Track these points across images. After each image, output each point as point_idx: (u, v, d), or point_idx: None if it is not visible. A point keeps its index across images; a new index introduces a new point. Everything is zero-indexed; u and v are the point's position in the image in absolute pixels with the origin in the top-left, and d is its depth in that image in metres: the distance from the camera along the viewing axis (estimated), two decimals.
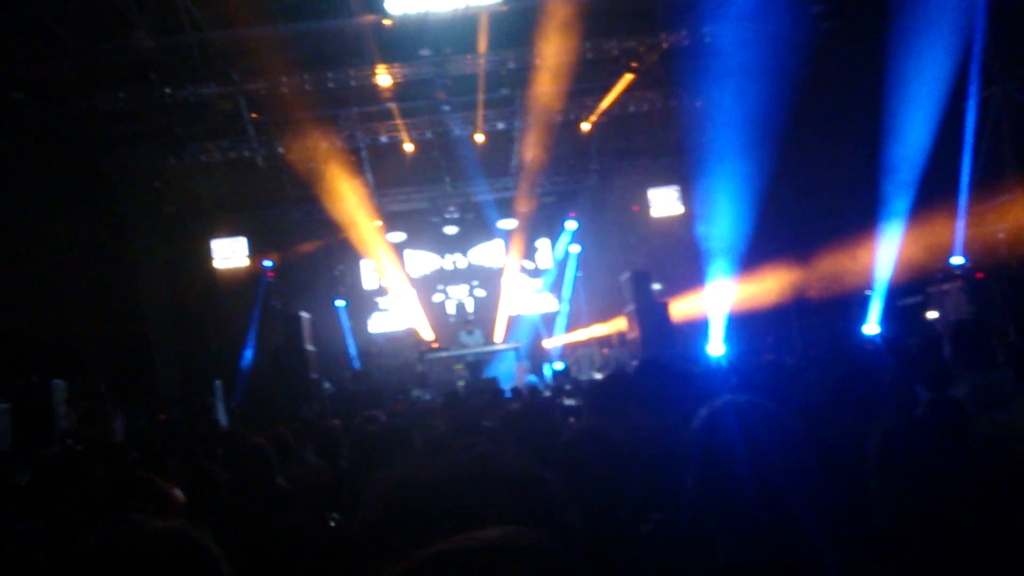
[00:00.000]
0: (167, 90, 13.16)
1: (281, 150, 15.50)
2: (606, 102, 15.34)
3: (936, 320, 11.33)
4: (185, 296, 15.82)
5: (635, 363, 10.93)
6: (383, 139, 16.06)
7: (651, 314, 13.43)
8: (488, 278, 19.11)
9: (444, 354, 15.77)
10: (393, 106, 15.17)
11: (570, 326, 18.57)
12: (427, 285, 19.03)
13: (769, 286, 14.32)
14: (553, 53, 13.42)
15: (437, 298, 19.04)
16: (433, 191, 18.10)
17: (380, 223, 17.71)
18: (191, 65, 12.99)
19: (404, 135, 15.89)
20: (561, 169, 17.96)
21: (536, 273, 19.45)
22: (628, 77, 14.40)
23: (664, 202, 17.66)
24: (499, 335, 18.02)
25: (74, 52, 12.00)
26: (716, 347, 13.64)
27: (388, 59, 13.59)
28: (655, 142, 17.15)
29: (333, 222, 16.96)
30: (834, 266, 13.52)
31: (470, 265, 19.19)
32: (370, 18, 12.52)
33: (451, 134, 16.12)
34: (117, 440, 10.40)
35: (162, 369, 15.39)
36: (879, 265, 12.74)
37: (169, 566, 1.24)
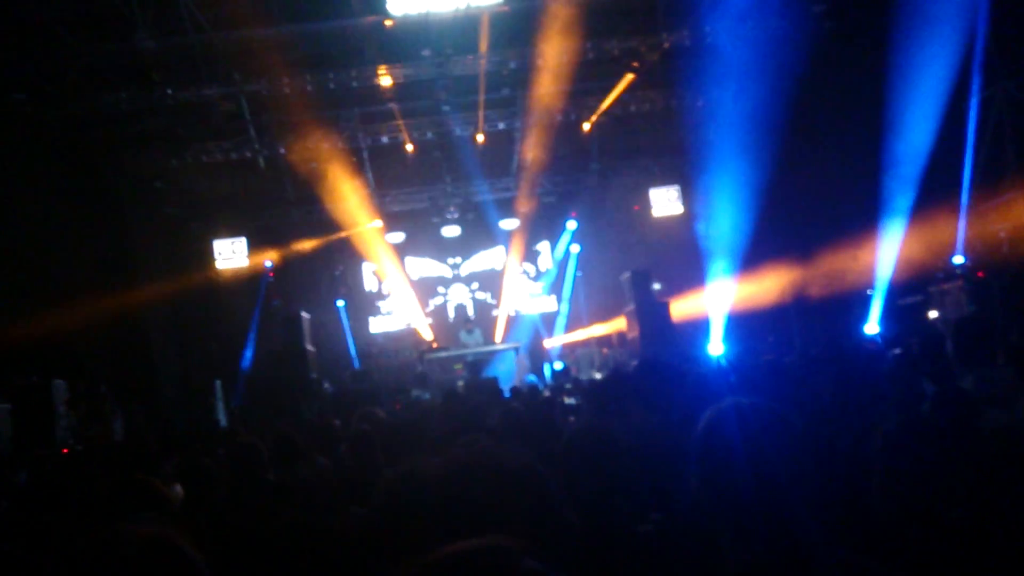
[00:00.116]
0: (169, 91, 13.16)
1: (282, 151, 15.51)
2: (607, 102, 15.33)
3: (937, 319, 11.32)
4: (186, 296, 15.82)
5: (634, 363, 10.93)
6: (384, 139, 16.05)
7: (651, 314, 13.43)
8: (489, 280, 19.12)
9: (444, 354, 15.78)
10: (394, 106, 15.17)
11: (570, 326, 18.58)
12: (427, 287, 19.04)
13: (769, 286, 14.31)
14: (554, 53, 13.42)
15: (437, 300, 19.06)
16: (434, 191, 18.10)
17: (381, 223, 17.72)
18: (193, 66, 13.00)
19: (405, 135, 15.89)
20: (562, 169, 17.96)
21: (536, 273, 19.46)
22: (629, 77, 14.39)
23: (665, 202, 17.65)
24: (499, 335, 18.04)
25: (76, 53, 12.02)
26: (716, 347, 13.63)
27: (389, 59, 13.59)
28: (656, 142, 17.14)
29: (334, 222, 16.99)
30: (835, 265, 13.51)
31: (472, 270, 19.21)
32: (371, 19, 12.53)
33: (452, 134, 16.12)
34: (117, 440, 10.41)
35: (162, 369, 15.39)
36: (880, 264, 12.73)
37: (151, 574, 1.25)
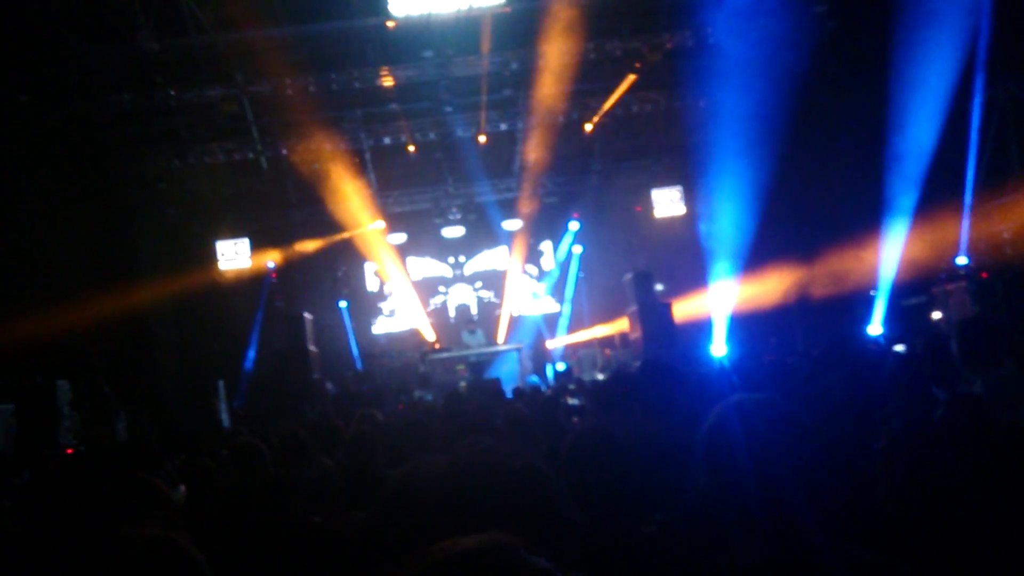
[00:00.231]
0: (171, 92, 13.18)
1: (285, 152, 15.52)
2: (609, 102, 15.33)
3: (940, 320, 11.30)
4: (188, 297, 15.83)
5: (637, 364, 10.91)
6: (386, 140, 16.05)
7: (653, 315, 13.41)
8: (491, 279, 19.13)
9: (446, 355, 15.77)
10: (396, 107, 15.17)
11: (572, 327, 18.57)
12: (429, 287, 19.05)
13: (772, 286, 14.31)
14: (556, 54, 13.41)
15: (437, 300, 19.06)
16: (436, 192, 18.11)
17: (383, 224, 17.73)
18: (195, 67, 13.01)
19: (407, 136, 15.90)
20: (564, 170, 17.96)
21: (539, 273, 19.46)
22: (631, 77, 14.39)
23: (667, 202, 17.63)
24: (501, 335, 18.04)
25: (79, 54, 12.03)
26: (719, 348, 13.62)
27: (391, 60, 13.60)
28: (658, 142, 17.14)
29: (336, 223, 16.99)
30: (838, 266, 13.50)
31: (475, 270, 19.22)
32: (373, 20, 12.53)
33: (454, 135, 16.11)
34: (120, 441, 10.42)
35: (165, 370, 15.41)
36: (883, 265, 12.71)
37: (155, 575, 1.25)
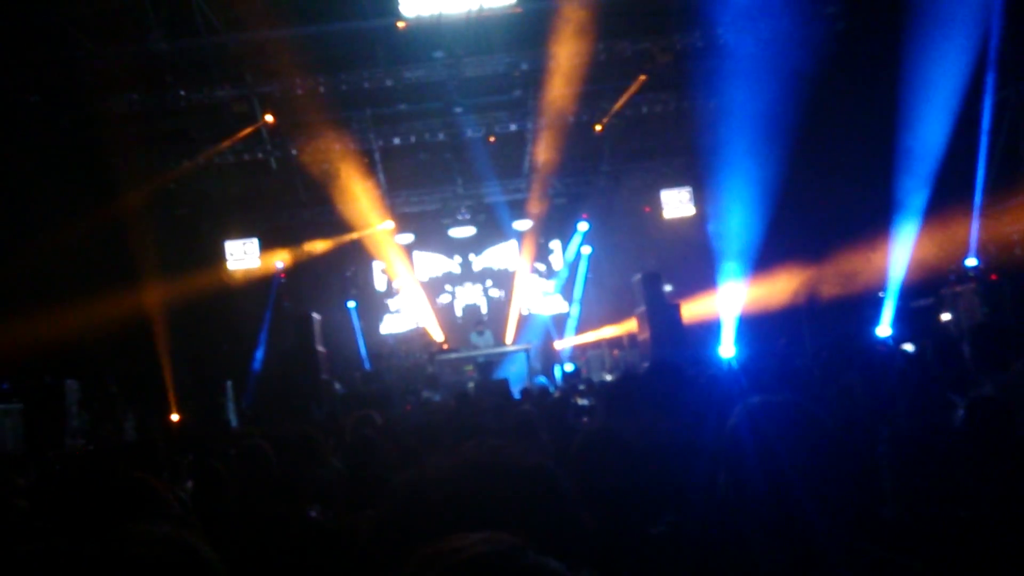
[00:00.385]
0: (182, 92, 13.23)
1: (294, 152, 15.55)
2: (619, 103, 15.31)
3: (949, 322, 11.24)
4: (197, 297, 15.86)
5: (645, 365, 10.91)
6: (396, 141, 16.07)
7: (662, 315, 13.38)
8: (501, 278, 19.13)
9: (454, 355, 15.76)
10: (406, 108, 15.19)
11: (581, 327, 18.54)
12: (437, 286, 19.06)
13: (781, 287, 14.25)
14: (566, 55, 13.41)
15: (446, 299, 19.07)
16: (445, 193, 18.12)
17: (392, 224, 17.74)
18: (205, 68, 13.07)
19: (417, 137, 15.92)
20: (573, 170, 17.94)
21: (548, 274, 19.45)
22: (641, 78, 14.38)
23: (676, 203, 17.60)
24: (510, 336, 18.02)
25: (89, 55, 12.09)
26: (727, 349, 13.57)
27: (401, 61, 13.62)
28: (668, 143, 17.11)
29: (345, 223, 17.01)
30: (847, 267, 13.45)
31: (484, 267, 19.22)
32: (384, 20, 12.55)
33: (464, 136, 16.12)
34: (128, 440, 10.46)
35: (173, 370, 15.44)
36: (892, 266, 12.66)
37: (166, 574, 1.24)
